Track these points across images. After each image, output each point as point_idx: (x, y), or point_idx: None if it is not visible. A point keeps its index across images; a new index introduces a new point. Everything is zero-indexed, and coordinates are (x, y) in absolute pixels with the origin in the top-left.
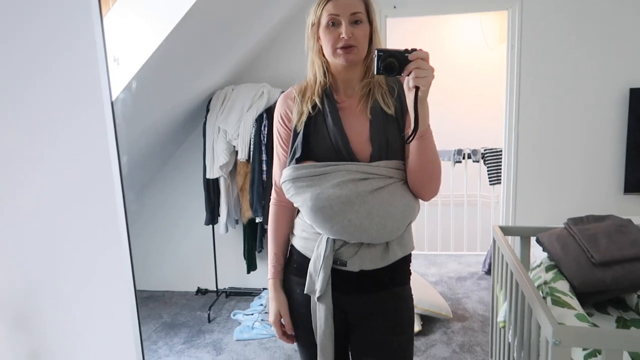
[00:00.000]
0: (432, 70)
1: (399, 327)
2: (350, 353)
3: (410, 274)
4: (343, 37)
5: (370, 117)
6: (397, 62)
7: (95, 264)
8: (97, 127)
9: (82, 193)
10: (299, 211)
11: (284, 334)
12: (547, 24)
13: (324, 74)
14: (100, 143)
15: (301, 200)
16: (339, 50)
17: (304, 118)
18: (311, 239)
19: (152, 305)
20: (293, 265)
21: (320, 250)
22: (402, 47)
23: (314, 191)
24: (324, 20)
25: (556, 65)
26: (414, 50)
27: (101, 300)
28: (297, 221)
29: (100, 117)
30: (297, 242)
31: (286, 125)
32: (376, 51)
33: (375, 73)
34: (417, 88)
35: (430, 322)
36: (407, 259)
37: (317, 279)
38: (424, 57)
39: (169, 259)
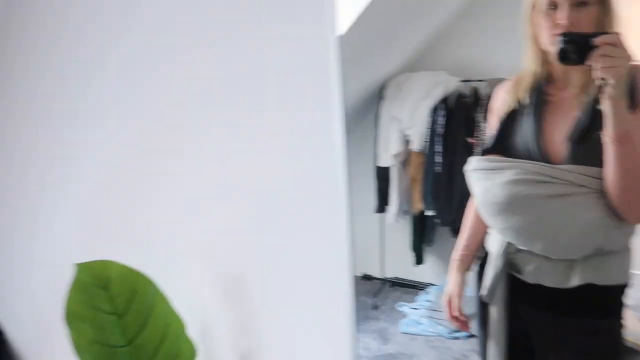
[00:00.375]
0: (626, 58)
1: None
2: None
3: (620, 306)
4: (559, 23)
5: (580, 114)
6: (575, 49)
7: (314, 246)
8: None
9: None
10: None
11: (453, 318)
12: None
13: (541, 64)
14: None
15: (475, 192)
16: (558, 37)
17: (508, 110)
18: (493, 236)
19: None
20: (484, 262)
21: (495, 248)
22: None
23: (486, 185)
24: (540, 2)
25: None
26: (603, 33)
27: (318, 282)
28: None
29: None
30: (487, 238)
31: (494, 118)
32: (559, 35)
33: (558, 61)
34: (603, 80)
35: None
36: (611, 290)
37: (487, 278)
38: (614, 42)
39: None
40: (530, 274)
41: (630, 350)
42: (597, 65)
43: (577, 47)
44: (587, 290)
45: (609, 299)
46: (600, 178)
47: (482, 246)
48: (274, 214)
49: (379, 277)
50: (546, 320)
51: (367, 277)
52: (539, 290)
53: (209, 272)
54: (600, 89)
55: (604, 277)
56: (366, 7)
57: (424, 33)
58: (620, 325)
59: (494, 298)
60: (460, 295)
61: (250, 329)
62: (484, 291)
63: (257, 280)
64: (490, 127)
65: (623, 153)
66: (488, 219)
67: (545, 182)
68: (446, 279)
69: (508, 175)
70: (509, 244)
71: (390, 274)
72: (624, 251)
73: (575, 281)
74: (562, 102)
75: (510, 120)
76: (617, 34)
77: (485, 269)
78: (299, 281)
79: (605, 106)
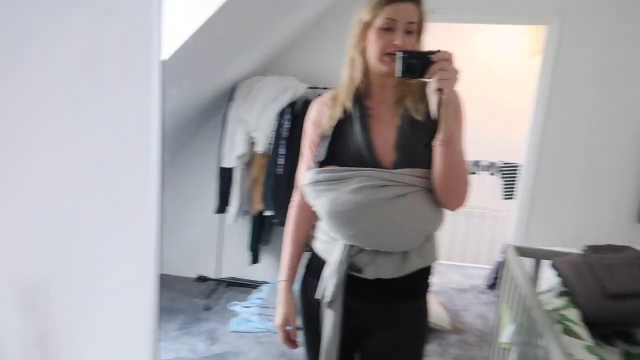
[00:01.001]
0: (456, 72)
1: (411, 339)
2: None
3: (428, 285)
4: (395, 44)
5: (398, 123)
6: (419, 64)
7: (121, 248)
8: (139, 105)
9: (114, 172)
10: None
11: (288, 339)
12: (582, 44)
13: (362, 75)
14: (140, 120)
15: (319, 204)
16: (386, 57)
17: (333, 123)
18: (330, 243)
19: None
20: (311, 268)
21: (336, 255)
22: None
23: (332, 195)
24: (378, 22)
25: (588, 85)
26: (437, 51)
27: (124, 283)
28: (319, 224)
29: (146, 103)
30: (318, 245)
31: (318, 130)
32: (398, 53)
33: (397, 75)
34: (440, 91)
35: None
36: (427, 270)
37: (328, 284)
38: (448, 59)
39: (172, 243)
40: (370, 271)
41: (432, 330)
42: (435, 78)
43: (419, 63)
44: (414, 274)
45: (425, 279)
46: (424, 177)
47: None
48: (80, 218)
49: (214, 277)
50: (379, 308)
51: (202, 279)
52: (376, 283)
53: (6, 279)
54: (414, 101)
55: (426, 260)
56: (213, 14)
57: (275, 39)
58: (427, 302)
59: (334, 302)
60: (294, 319)
61: (48, 339)
62: (327, 297)
63: (59, 286)
64: (311, 139)
65: (449, 152)
66: (336, 227)
67: (386, 185)
68: (267, 293)
69: (353, 183)
70: (350, 247)
71: (226, 274)
72: (434, 235)
73: (409, 268)
74: (382, 115)
75: (337, 132)
76: (450, 52)
77: (321, 276)
78: (104, 286)
79: (440, 112)
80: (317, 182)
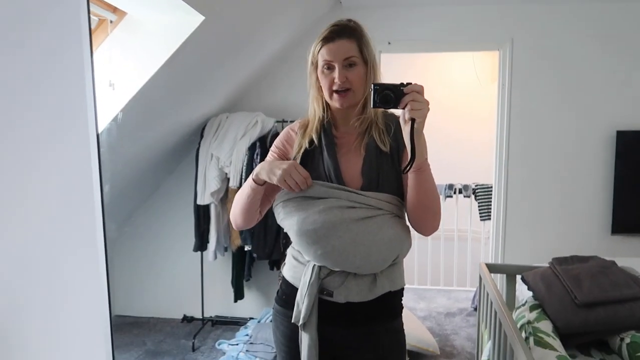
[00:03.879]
0: (427, 103)
1: None
2: None
3: (402, 308)
4: (336, 82)
5: (364, 152)
6: (393, 95)
7: (72, 293)
8: (80, 156)
9: (62, 219)
10: (290, 241)
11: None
12: (536, 66)
13: (324, 109)
14: (84, 172)
15: (289, 224)
16: (334, 95)
17: (302, 151)
18: (299, 267)
19: (136, 331)
20: (282, 297)
21: (307, 277)
22: (396, 82)
23: (301, 215)
24: (320, 64)
25: (545, 105)
26: (409, 84)
27: (75, 329)
28: (289, 250)
29: (85, 147)
30: (287, 272)
31: (281, 153)
32: (372, 85)
33: (371, 106)
34: (413, 120)
35: (416, 358)
36: (397, 294)
37: (302, 307)
38: (419, 90)
39: (156, 285)
40: (340, 294)
41: (417, 354)
42: (407, 108)
43: (392, 94)
44: (384, 297)
45: (397, 301)
46: (391, 202)
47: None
48: (33, 265)
49: (200, 317)
50: (353, 333)
51: (188, 319)
52: (347, 307)
53: None
54: (379, 132)
55: (395, 284)
56: (174, 53)
57: (238, 78)
58: (402, 324)
59: (309, 324)
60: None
61: None
62: (301, 320)
63: (10, 335)
64: (272, 157)
65: (422, 178)
66: (305, 247)
67: (354, 207)
68: (264, 311)
69: (322, 203)
70: (320, 269)
71: (211, 312)
72: (402, 260)
73: (378, 292)
74: (349, 144)
75: (306, 159)
76: (420, 85)
77: (296, 301)
78: (57, 330)
79: (414, 140)
80: (287, 202)
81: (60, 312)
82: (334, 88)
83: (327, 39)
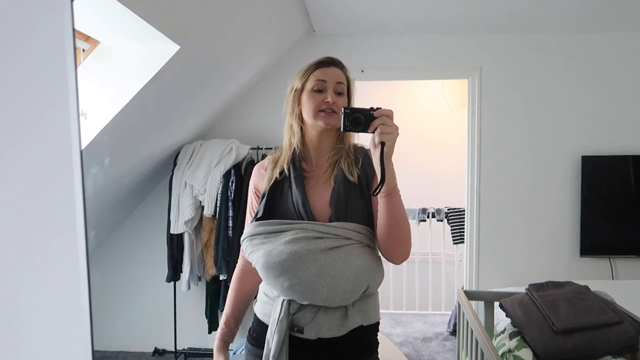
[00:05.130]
0: (397, 127)
1: None
2: None
3: (377, 344)
4: (328, 101)
5: (333, 184)
6: (363, 118)
7: (53, 325)
8: (63, 180)
9: (41, 244)
10: None
11: None
12: (503, 93)
13: (300, 139)
14: (65, 197)
15: (255, 257)
16: (321, 113)
17: (271, 183)
18: (269, 303)
19: None
20: (252, 335)
21: (276, 313)
22: (369, 106)
23: (267, 248)
24: (309, 85)
25: (513, 131)
26: (379, 108)
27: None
28: (260, 286)
29: (69, 172)
30: (258, 308)
31: (258, 194)
32: (343, 109)
33: (342, 130)
34: (382, 144)
35: None
36: (371, 329)
37: (272, 344)
38: (389, 115)
39: (126, 317)
40: (311, 330)
41: None
42: (377, 132)
43: (362, 117)
44: (357, 332)
45: (372, 336)
46: (359, 232)
47: (256, 321)
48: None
49: (172, 350)
50: None
51: (159, 352)
52: (319, 344)
53: None
54: (348, 164)
55: (368, 318)
56: (148, 81)
57: (211, 106)
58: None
59: None
60: None
61: None
62: (270, 358)
63: None
64: (252, 203)
65: (392, 203)
66: (272, 280)
67: (321, 237)
68: (239, 342)
69: (289, 235)
70: (289, 304)
71: (184, 344)
72: (376, 293)
73: (350, 326)
74: (318, 176)
75: (275, 190)
76: (390, 110)
77: (266, 339)
78: None
79: (384, 164)
80: (254, 236)
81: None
82: (323, 108)
83: (324, 63)
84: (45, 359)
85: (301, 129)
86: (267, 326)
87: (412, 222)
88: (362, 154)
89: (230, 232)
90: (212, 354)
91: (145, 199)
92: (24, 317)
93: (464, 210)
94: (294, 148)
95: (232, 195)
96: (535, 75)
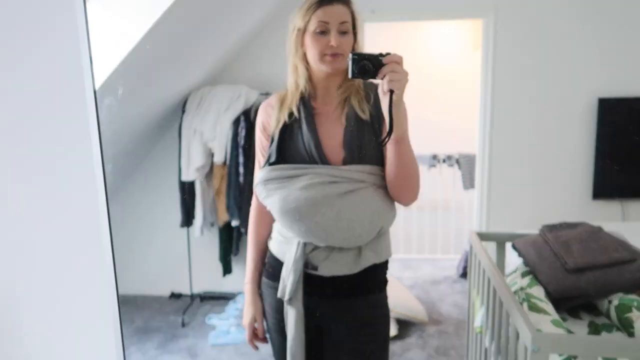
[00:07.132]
0: (406, 74)
1: (372, 334)
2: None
3: (386, 282)
4: (331, 45)
5: (345, 123)
6: (371, 65)
7: (75, 269)
8: (79, 127)
9: (63, 195)
10: None
11: (255, 338)
12: (519, 34)
13: (306, 80)
14: (82, 142)
15: (271, 202)
16: (327, 57)
17: (280, 125)
18: (285, 242)
19: (123, 309)
20: (268, 270)
21: (292, 253)
22: (378, 52)
23: (282, 193)
24: (312, 27)
25: (528, 73)
26: (388, 54)
27: (81, 306)
28: (274, 225)
29: (84, 117)
30: (273, 246)
31: (266, 134)
32: (351, 55)
33: (350, 76)
34: (391, 91)
35: (406, 326)
36: (382, 267)
37: (287, 283)
38: (398, 61)
39: (142, 262)
40: (326, 268)
41: (405, 322)
42: (386, 79)
43: (371, 64)
44: (369, 269)
45: (381, 274)
46: (373, 173)
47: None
48: (30, 244)
49: (188, 293)
50: (338, 305)
51: (176, 295)
52: (331, 281)
53: None
54: (358, 101)
55: (380, 256)
56: (153, 25)
57: (220, 48)
58: (387, 297)
59: (294, 299)
60: (262, 320)
61: None
62: (286, 295)
63: (12, 316)
64: (261, 143)
65: (402, 150)
66: (289, 224)
67: (336, 182)
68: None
69: (304, 180)
70: (305, 245)
71: (199, 288)
72: (388, 232)
73: (363, 264)
74: (329, 115)
75: (285, 133)
76: (399, 55)
77: (281, 276)
78: (61, 312)
79: (393, 112)
80: (268, 181)
81: (65, 296)
82: (328, 52)
83: (326, 1)
84: (71, 294)
85: (307, 69)
86: (282, 263)
87: (423, 168)
88: (374, 89)
89: (241, 178)
90: (227, 297)
91: (156, 146)
92: (49, 262)
93: (474, 156)
94: (302, 90)
95: (243, 141)
96: (551, 15)
